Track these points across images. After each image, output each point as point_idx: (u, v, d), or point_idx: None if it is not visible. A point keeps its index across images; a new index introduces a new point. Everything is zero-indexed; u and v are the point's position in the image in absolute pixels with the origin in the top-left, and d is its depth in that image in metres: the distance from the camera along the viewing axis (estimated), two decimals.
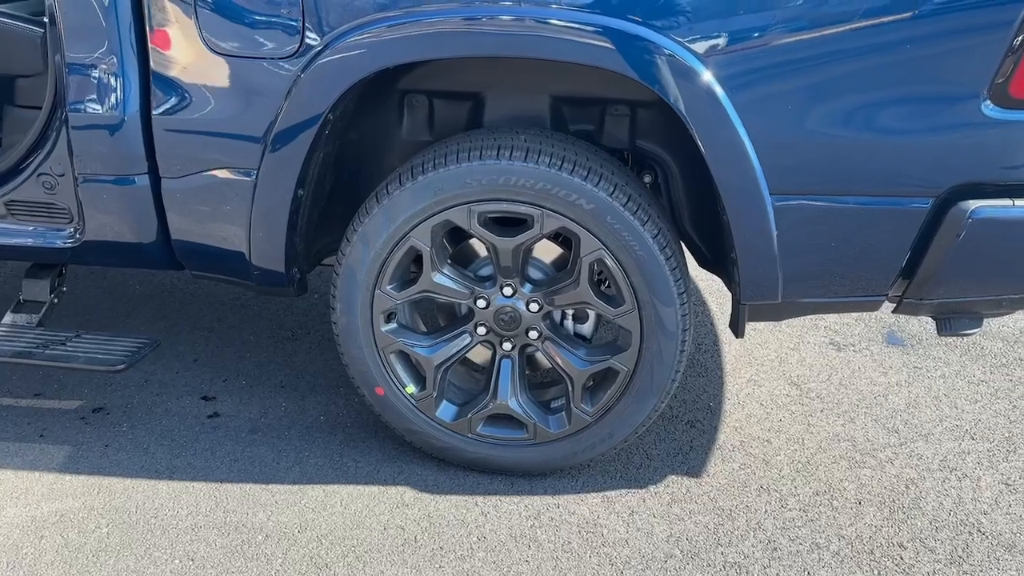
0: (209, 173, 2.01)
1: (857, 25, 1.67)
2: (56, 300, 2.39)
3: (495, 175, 1.90)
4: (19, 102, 2.31)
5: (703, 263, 2.31)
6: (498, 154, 1.90)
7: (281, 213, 2.02)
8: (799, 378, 2.70)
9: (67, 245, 2.19)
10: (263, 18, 1.84)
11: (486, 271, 2.11)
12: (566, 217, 1.92)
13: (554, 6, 1.74)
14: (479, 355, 2.22)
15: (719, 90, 1.73)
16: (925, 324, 3.01)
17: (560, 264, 2.12)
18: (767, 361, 2.79)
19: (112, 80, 1.98)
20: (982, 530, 2.07)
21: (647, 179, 2.23)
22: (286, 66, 1.86)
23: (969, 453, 2.35)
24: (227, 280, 2.22)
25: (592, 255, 1.95)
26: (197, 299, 3.15)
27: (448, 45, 1.82)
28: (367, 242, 2.01)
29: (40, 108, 2.11)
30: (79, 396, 2.56)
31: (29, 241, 2.22)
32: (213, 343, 2.87)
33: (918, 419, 2.50)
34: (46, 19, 2.05)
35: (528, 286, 2.06)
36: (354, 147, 2.20)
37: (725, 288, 3.07)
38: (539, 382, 2.34)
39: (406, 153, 2.20)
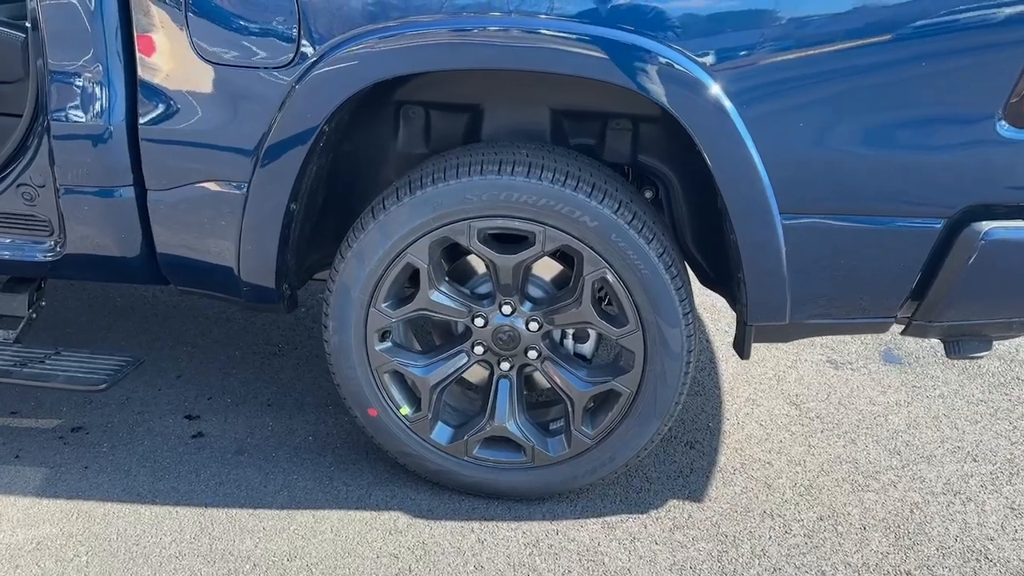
0: (198, 185, 1.94)
1: (872, 41, 1.63)
2: (35, 315, 2.30)
3: (496, 191, 1.84)
4: None
5: (705, 281, 2.26)
6: (499, 169, 1.84)
7: (272, 227, 1.95)
8: (798, 397, 2.66)
9: (47, 258, 2.11)
10: (257, 26, 1.78)
11: (484, 289, 2.05)
12: (569, 234, 1.86)
13: (543, 16, 1.69)
14: (476, 375, 2.16)
15: (728, 104, 1.68)
16: (922, 342, 2.98)
17: (560, 282, 2.07)
18: (765, 380, 2.75)
19: (97, 88, 1.90)
20: (989, 556, 2.03)
21: (648, 195, 2.19)
22: (280, 76, 1.80)
23: (972, 476, 2.31)
24: (214, 296, 2.15)
25: (595, 274, 1.89)
26: (180, 313, 3.06)
27: (440, 57, 1.77)
28: (362, 258, 1.94)
29: (20, 116, 2.03)
30: (57, 415, 2.46)
31: (7, 254, 2.13)
32: (197, 359, 2.78)
33: (919, 440, 2.46)
34: (28, 24, 1.98)
35: (528, 304, 2.00)
36: (348, 159, 2.14)
37: (722, 305, 3.03)
38: (537, 403, 2.28)
39: (401, 166, 2.14)
